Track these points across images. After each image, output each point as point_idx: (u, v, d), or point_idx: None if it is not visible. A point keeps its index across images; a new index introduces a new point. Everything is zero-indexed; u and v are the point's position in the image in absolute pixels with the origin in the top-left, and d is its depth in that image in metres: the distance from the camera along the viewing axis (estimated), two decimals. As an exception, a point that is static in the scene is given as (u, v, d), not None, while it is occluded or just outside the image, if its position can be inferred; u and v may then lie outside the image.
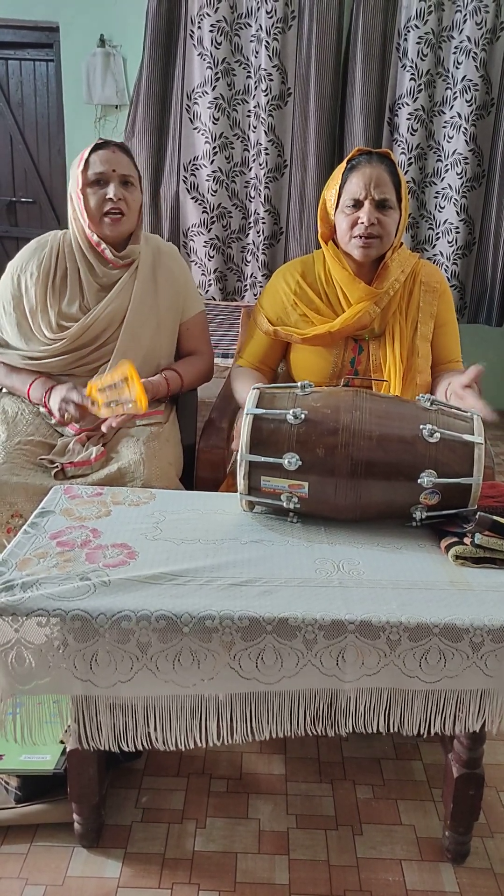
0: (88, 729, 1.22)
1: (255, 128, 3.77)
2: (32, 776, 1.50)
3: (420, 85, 3.62)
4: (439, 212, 3.82)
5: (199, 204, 3.88)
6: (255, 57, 3.67)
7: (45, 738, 1.27)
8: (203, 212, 3.88)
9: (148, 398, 1.76)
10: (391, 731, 1.24)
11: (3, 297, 1.90)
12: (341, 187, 1.77)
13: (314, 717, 1.22)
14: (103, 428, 1.77)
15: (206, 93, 3.72)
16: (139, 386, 1.68)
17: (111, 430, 1.78)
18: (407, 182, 3.70)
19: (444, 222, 3.82)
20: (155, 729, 1.21)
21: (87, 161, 1.82)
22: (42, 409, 1.90)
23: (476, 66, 3.54)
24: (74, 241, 1.90)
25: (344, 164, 1.79)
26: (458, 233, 3.78)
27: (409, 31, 3.57)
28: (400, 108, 3.68)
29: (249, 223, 3.94)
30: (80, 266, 1.89)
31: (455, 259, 3.83)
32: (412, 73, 3.60)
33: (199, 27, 3.65)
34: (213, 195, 3.85)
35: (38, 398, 1.86)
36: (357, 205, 1.75)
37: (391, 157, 1.79)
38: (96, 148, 1.84)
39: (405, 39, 3.59)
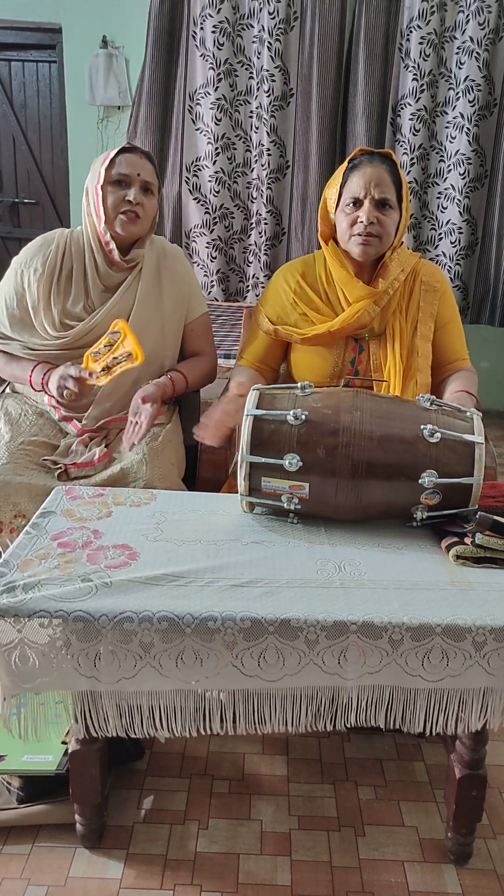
0: (94, 721, 1.23)
1: (257, 128, 3.77)
2: (35, 777, 1.50)
3: (422, 85, 3.62)
4: (442, 212, 3.82)
5: (202, 205, 3.88)
6: (258, 58, 3.68)
7: (50, 735, 1.27)
8: (205, 213, 3.89)
9: (159, 400, 1.78)
10: (393, 728, 1.24)
11: (6, 292, 1.90)
12: (342, 186, 1.77)
13: (316, 714, 1.22)
14: (125, 443, 1.76)
15: (209, 93, 3.72)
16: (133, 338, 1.67)
17: (133, 446, 1.76)
18: (409, 182, 3.71)
19: (447, 223, 3.81)
20: (160, 722, 1.22)
21: (112, 160, 1.83)
22: (45, 408, 1.90)
23: (479, 67, 3.54)
24: (85, 235, 1.90)
25: (345, 163, 1.79)
26: (460, 233, 3.78)
27: (411, 32, 3.57)
28: (402, 108, 3.68)
29: (251, 224, 3.94)
30: (87, 264, 1.89)
31: (458, 259, 3.83)
32: (414, 74, 3.60)
33: (202, 28, 3.66)
34: (215, 196, 3.86)
35: (39, 382, 1.86)
36: (357, 204, 1.75)
37: (393, 157, 1.79)
38: (124, 150, 1.85)
39: (407, 40, 3.59)
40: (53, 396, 1.81)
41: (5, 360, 1.93)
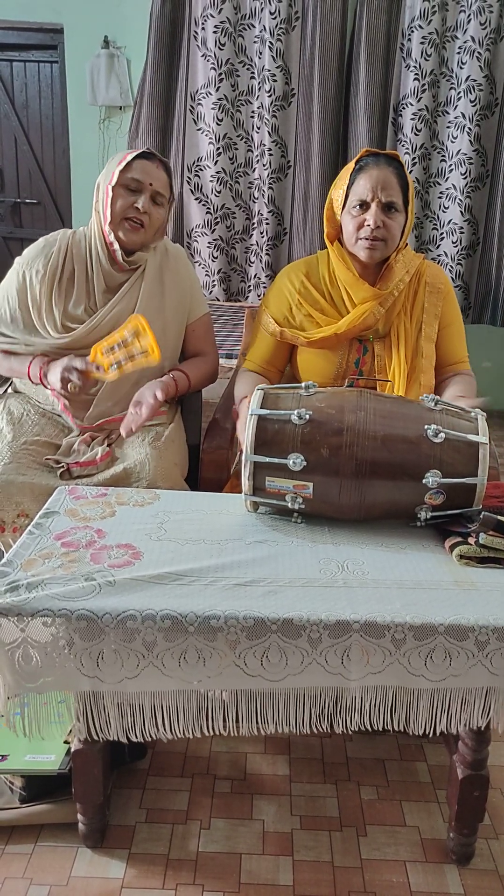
0: (96, 723, 1.23)
1: (258, 128, 3.77)
2: (37, 776, 1.50)
3: (424, 85, 3.62)
4: (443, 212, 3.82)
5: (203, 205, 3.88)
6: (259, 58, 3.68)
7: (52, 734, 1.27)
8: (207, 213, 3.89)
9: (164, 396, 1.77)
10: (397, 729, 1.24)
11: (8, 292, 1.90)
12: (349, 188, 1.77)
13: (319, 715, 1.22)
14: (122, 429, 1.76)
15: (210, 94, 3.72)
16: (151, 335, 1.67)
17: (130, 433, 1.77)
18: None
19: (449, 222, 3.81)
20: (162, 722, 1.22)
21: (129, 163, 1.82)
22: (47, 408, 1.90)
23: (480, 67, 3.55)
24: (90, 231, 1.89)
25: (352, 164, 1.78)
26: (462, 233, 3.78)
27: (412, 32, 3.57)
28: (404, 108, 3.68)
29: (253, 224, 3.94)
30: (92, 263, 1.88)
31: (459, 259, 3.83)
32: (416, 74, 3.61)
33: (203, 28, 3.66)
34: (216, 196, 3.86)
35: (37, 374, 1.85)
36: (364, 206, 1.75)
37: (399, 159, 1.78)
38: (142, 156, 1.84)
39: (409, 40, 3.59)
40: (54, 389, 1.81)
41: (3, 355, 1.93)
